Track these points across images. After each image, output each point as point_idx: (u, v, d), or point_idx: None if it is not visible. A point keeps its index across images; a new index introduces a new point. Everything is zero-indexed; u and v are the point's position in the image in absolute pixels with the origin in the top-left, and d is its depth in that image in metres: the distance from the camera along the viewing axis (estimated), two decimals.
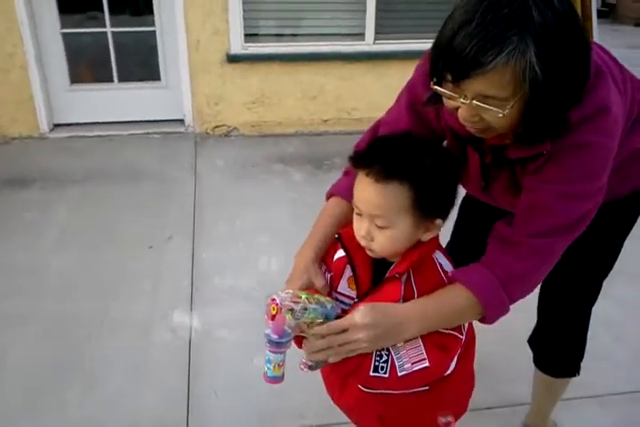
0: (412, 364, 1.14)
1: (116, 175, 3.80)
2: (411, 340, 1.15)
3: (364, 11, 4.33)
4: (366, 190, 1.14)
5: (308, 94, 4.48)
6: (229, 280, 2.77)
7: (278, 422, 2.02)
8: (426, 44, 3.88)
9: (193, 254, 2.96)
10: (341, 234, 1.26)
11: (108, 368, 2.23)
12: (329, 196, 1.53)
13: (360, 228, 1.18)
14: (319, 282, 1.28)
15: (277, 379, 1.19)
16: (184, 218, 3.30)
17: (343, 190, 1.45)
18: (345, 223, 1.34)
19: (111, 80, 4.45)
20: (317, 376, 2.16)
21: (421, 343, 1.15)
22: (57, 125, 4.46)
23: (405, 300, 1.17)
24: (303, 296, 1.13)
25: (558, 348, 1.72)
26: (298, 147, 4.30)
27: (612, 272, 1.59)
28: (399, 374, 1.14)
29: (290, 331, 1.12)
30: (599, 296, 1.64)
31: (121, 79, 4.47)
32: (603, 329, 2.37)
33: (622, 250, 1.56)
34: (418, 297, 1.17)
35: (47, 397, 2.09)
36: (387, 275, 1.20)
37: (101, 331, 2.42)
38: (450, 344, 1.17)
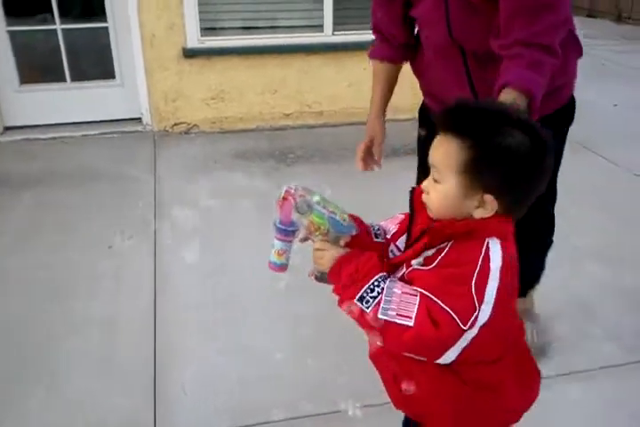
0: (397, 315, 1.05)
1: (72, 177, 3.65)
2: (410, 294, 1.07)
3: (322, 1, 4.26)
4: (435, 142, 1.11)
5: (268, 88, 4.39)
6: (193, 279, 2.67)
7: (247, 416, 1.94)
8: None
9: (155, 253, 2.85)
10: (415, 190, 1.21)
11: (71, 369, 2.13)
12: (371, 58, 2.05)
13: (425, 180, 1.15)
14: (378, 137, 1.84)
15: (277, 266, 1.20)
16: (145, 217, 3.17)
17: (380, 53, 2.00)
18: (394, 81, 2.06)
19: (63, 80, 4.29)
20: (286, 369, 2.12)
21: (417, 304, 1.05)
22: (8, 128, 4.28)
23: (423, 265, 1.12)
24: (315, 198, 1.13)
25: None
26: (260, 142, 4.20)
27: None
28: (379, 315, 1.05)
29: (295, 221, 1.13)
30: None
31: (74, 78, 4.32)
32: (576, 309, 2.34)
33: None
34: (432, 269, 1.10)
35: (8, 398, 1.99)
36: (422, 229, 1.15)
37: (63, 332, 2.32)
38: (443, 323, 1.03)
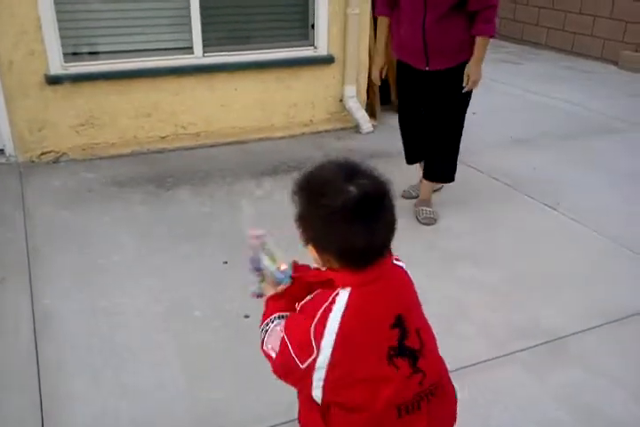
0: (271, 348, 1.26)
1: None
2: (280, 332, 1.24)
3: (189, 24, 4.24)
4: None
5: (141, 112, 4.30)
6: (74, 314, 2.56)
7: None
8: (254, 55, 3.95)
9: (31, 290, 2.71)
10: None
11: None
12: (378, 15, 3.32)
13: None
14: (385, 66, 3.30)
15: (252, 293, 1.41)
16: (16, 255, 3.00)
17: (383, 11, 3.24)
18: (389, 29, 3.26)
19: None
20: (177, 405, 2.08)
21: (280, 341, 1.23)
22: None
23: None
24: (266, 246, 1.37)
25: (444, 166, 3.34)
26: (136, 167, 4.10)
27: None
28: (263, 346, 1.29)
29: (257, 260, 1.37)
30: None
31: None
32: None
33: None
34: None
35: None
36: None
37: None
38: (287, 361, 1.21)
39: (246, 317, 2.54)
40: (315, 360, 1.16)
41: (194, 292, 2.73)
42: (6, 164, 4.08)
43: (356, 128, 4.80)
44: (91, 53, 4.16)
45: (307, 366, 1.17)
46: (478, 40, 3.00)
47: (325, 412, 1.23)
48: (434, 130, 3.30)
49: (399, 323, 1.20)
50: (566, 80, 6.56)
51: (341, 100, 4.82)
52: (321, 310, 1.16)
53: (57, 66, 4.00)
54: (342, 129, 4.83)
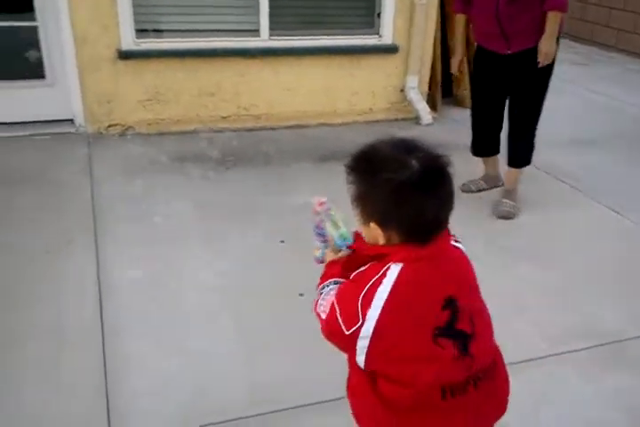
0: (323, 310, 1.29)
1: (3, 180, 3.53)
2: (332, 295, 1.29)
3: (257, 7, 4.29)
4: None
5: (205, 91, 4.39)
6: (137, 281, 2.66)
7: (202, 418, 1.98)
8: (319, 41, 4.00)
9: (97, 256, 2.82)
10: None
11: (18, 382, 2.09)
12: (456, 13, 3.45)
13: None
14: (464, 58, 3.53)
15: (315, 259, 1.46)
16: (83, 221, 3.12)
17: (461, 9, 3.38)
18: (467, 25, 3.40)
19: None
20: (236, 370, 2.16)
21: (330, 305, 1.26)
22: None
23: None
24: (332, 213, 1.38)
25: (522, 149, 3.41)
26: (198, 144, 4.20)
27: None
28: (316, 309, 1.33)
29: (321, 229, 1.40)
30: None
31: (1, 77, 4.17)
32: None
33: None
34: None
35: None
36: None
37: (6, 341, 2.26)
38: (333, 324, 1.24)
39: (301, 295, 2.59)
40: (359, 329, 1.18)
41: (251, 268, 2.80)
42: (76, 133, 4.22)
43: (416, 119, 4.80)
44: (161, 31, 4.26)
45: (351, 333, 1.19)
46: (549, 15, 3.05)
47: (373, 380, 1.25)
48: (516, 114, 3.36)
49: (450, 304, 1.20)
50: (634, 83, 6.41)
51: (402, 91, 4.82)
52: (370, 282, 1.18)
53: (129, 41, 4.11)
54: (402, 120, 4.84)
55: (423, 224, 1.17)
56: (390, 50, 4.66)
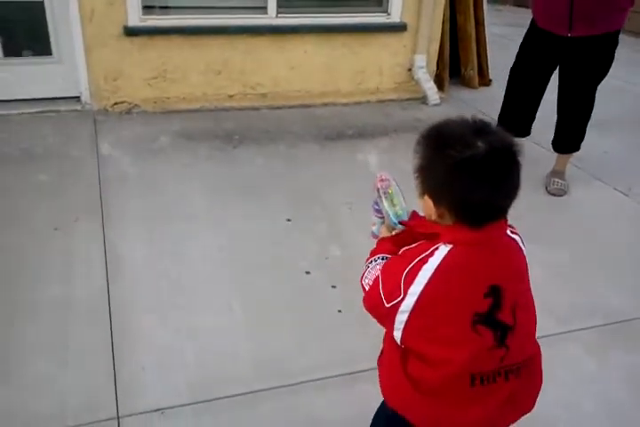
0: (367, 283, 1.31)
1: (9, 158, 3.53)
2: (378, 270, 1.30)
3: None
4: None
5: (211, 68, 4.37)
6: (143, 258, 2.68)
7: (207, 392, 2.01)
8: (326, 19, 3.93)
9: (103, 233, 2.83)
10: None
11: (26, 354, 2.12)
12: None
13: None
14: None
15: (372, 234, 1.48)
16: (90, 198, 3.13)
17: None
18: None
19: None
20: (241, 346, 2.19)
21: (374, 277, 1.29)
22: None
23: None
24: (390, 190, 1.39)
25: (571, 136, 3.43)
26: (204, 122, 4.19)
27: None
28: (362, 281, 1.34)
29: (379, 205, 1.42)
30: None
31: (7, 54, 4.15)
32: None
33: None
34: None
35: None
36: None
37: (15, 316, 2.29)
38: (375, 295, 1.26)
39: (307, 273, 2.62)
40: (399, 303, 1.19)
41: (258, 246, 2.81)
42: (81, 111, 4.21)
43: (423, 99, 4.77)
44: (168, 8, 4.22)
45: (390, 307, 1.21)
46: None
47: (405, 357, 1.26)
48: (566, 99, 3.32)
49: (494, 293, 1.19)
50: None
51: (410, 70, 4.78)
52: (417, 259, 1.19)
53: (135, 18, 4.08)
54: (408, 99, 4.81)
55: (474, 207, 1.15)
56: (398, 28, 4.62)
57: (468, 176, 1.12)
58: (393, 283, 1.21)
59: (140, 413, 1.92)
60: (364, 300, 1.31)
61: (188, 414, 1.93)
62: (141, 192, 3.22)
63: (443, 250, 1.18)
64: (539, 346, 1.35)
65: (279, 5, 4.33)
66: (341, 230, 2.94)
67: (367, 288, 1.30)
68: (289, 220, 3.03)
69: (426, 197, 1.21)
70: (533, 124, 3.46)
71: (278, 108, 4.53)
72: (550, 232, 3.05)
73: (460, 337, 1.19)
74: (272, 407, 1.96)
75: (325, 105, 4.65)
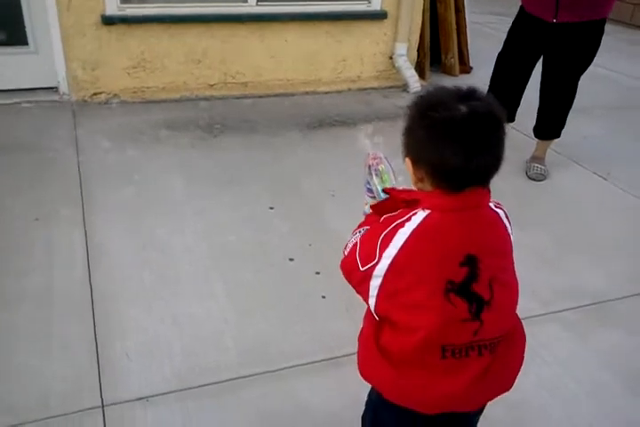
0: (347, 248, 1.33)
1: None
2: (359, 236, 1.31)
3: None
4: None
5: (191, 58, 4.33)
6: (125, 248, 2.66)
7: (192, 379, 2.00)
8: (306, 7, 3.89)
9: (84, 224, 2.80)
10: None
11: (8, 344, 2.10)
12: None
13: None
14: None
15: (364, 213, 1.47)
16: (70, 189, 3.10)
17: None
18: None
19: None
20: (226, 332, 2.19)
21: (354, 243, 1.30)
22: None
23: None
24: (380, 167, 1.40)
25: (552, 123, 3.47)
26: (184, 112, 4.15)
27: None
28: (344, 249, 1.34)
29: (369, 184, 1.42)
30: None
31: None
32: None
33: None
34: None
35: None
36: None
37: None
38: (351, 258, 1.27)
39: (291, 260, 2.62)
40: (373, 267, 1.19)
41: (240, 234, 2.80)
42: (59, 101, 4.16)
43: (404, 87, 4.77)
44: None
45: (365, 270, 1.21)
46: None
47: (379, 329, 1.26)
48: (550, 87, 3.34)
49: (470, 263, 1.17)
50: (626, 53, 6.39)
51: (391, 58, 4.78)
52: (394, 224, 1.19)
53: (113, 7, 4.03)
54: (390, 87, 4.80)
55: (450, 170, 1.14)
56: (379, 16, 4.61)
57: (445, 137, 1.12)
58: (369, 247, 1.21)
59: (125, 401, 1.91)
60: (342, 265, 1.31)
61: (173, 401, 1.93)
62: (122, 182, 3.19)
63: (420, 215, 1.18)
64: (521, 326, 1.35)
65: None
66: (325, 217, 2.94)
67: (345, 253, 1.31)
68: (271, 208, 3.02)
69: (407, 160, 1.21)
70: None
71: (259, 97, 4.51)
72: (530, 216, 3.08)
73: (431, 304, 1.17)
74: (257, 393, 1.97)
75: (307, 93, 4.63)
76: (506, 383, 1.32)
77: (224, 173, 3.34)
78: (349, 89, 4.74)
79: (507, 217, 1.27)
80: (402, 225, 1.18)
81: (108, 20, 4.04)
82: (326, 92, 4.69)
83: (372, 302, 1.23)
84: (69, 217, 2.85)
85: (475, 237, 1.20)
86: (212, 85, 4.46)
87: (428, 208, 1.18)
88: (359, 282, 1.24)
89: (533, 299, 2.44)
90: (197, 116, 4.11)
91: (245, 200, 3.08)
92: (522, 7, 3.28)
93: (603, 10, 3.10)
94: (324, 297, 2.39)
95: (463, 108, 1.12)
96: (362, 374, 1.33)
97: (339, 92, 4.70)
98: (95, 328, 2.19)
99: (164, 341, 2.15)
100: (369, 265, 1.20)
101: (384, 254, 1.18)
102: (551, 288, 2.55)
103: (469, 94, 1.16)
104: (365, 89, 4.76)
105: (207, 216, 2.93)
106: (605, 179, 3.53)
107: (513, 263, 1.29)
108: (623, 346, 2.27)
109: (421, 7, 4.69)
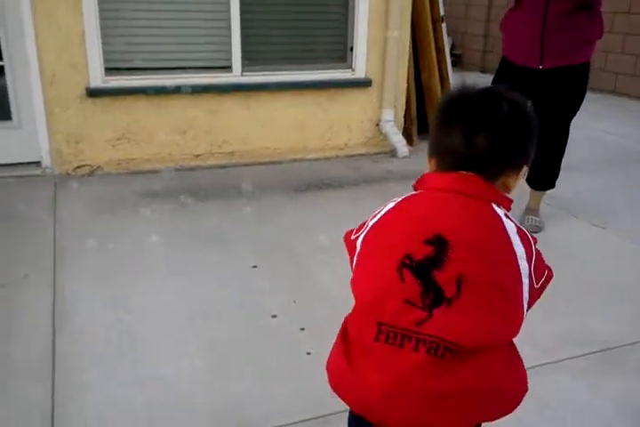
0: None
1: None
2: None
3: (230, 43, 4.27)
4: None
5: (177, 129, 4.30)
6: (94, 310, 2.46)
7: None
8: (292, 76, 3.91)
9: (54, 288, 2.61)
10: None
11: None
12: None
13: None
14: None
15: None
16: (44, 255, 2.93)
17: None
18: None
19: None
20: (195, 396, 1.96)
21: None
22: None
23: None
24: None
25: (545, 172, 3.34)
26: (169, 181, 4.06)
27: None
28: None
29: None
30: None
31: None
32: None
33: None
34: None
35: None
36: None
37: None
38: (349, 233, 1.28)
39: (274, 316, 2.41)
40: (358, 236, 1.19)
41: (220, 293, 2.61)
42: (41, 175, 4.07)
43: (392, 153, 4.72)
44: (131, 69, 4.20)
45: (354, 239, 1.19)
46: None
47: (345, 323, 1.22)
48: (541, 133, 3.24)
49: (437, 244, 1.05)
50: (608, 116, 6.44)
51: (378, 125, 4.77)
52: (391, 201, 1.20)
53: (98, 79, 4.05)
54: (378, 153, 4.75)
55: (444, 147, 1.16)
56: (364, 84, 4.64)
57: (443, 116, 1.17)
58: (365, 221, 1.21)
59: None
60: (344, 237, 1.26)
61: None
62: (99, 247, 3.02)
63: (402, 197, 1.18)
64: (504, 362, 1.13)
65: (244, 64, 4.35)
66: (311, 275, 2.76)
67: None
68: (255, 266, 2.84)
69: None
70: None
71: (246, 165, 4.44)
72: None
73: (381, 271, 1.10)
74: None
75: (295, 161, 4.57)
76: (454, 419, 1.08)
77: (206, 234, 3.19)
78: (337, 156, 4.69)
79: (520, 233, 1.11)
80: (394, 201, 1.18)
81: (93, 93, 4.04)
82: (315, 159, 4.63)
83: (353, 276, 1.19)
84: (39, 279, 2.68)
85: (452, 221, 1.09)
86: (197, 156, 4.41)
87: (420, 188, 1.18)
88: (349, 250, 1.21)
89: (537, 348, 2.21)
90: (181, 184, 4.01)
91: (227, 260, 2.91)
92: (504, 57, 3.27)
93: (586, 53, 3.11)
94: (309, 353, 2.16)
95: (469, 92, 1.16)
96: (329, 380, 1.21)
97: (327, 158, 4.65)
98: (53, 394, 1.95)
99: (127, 406, 1.91)
100: (356, 235, 1.20)
101: (367, 224, 1.19)
102: (555, 337, 2.33)
103: (490, 87, 1.21)
104: (354, 155, 4.71)
105: (185, 276, 2.74)
106: (603, 228, 3.39)
107: (517, 291, 1.10)
108: (636, 393, 2.02)
109: (405, 75, 4.74)
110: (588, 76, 3.16)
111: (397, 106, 4.78)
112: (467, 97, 1.15)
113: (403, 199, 1.17)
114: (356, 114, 4.71)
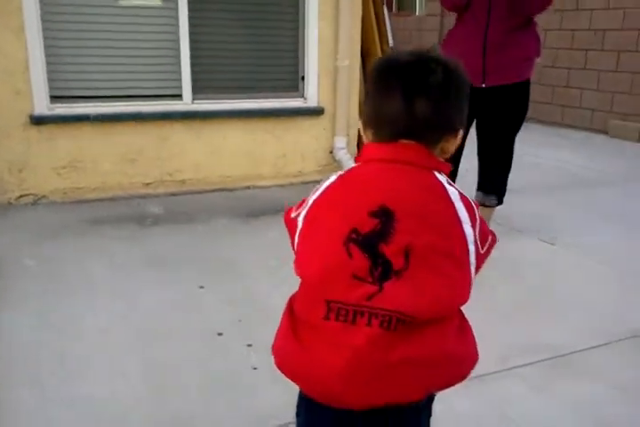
0: None
1: None
2: None
3: (179, 71, 4.25)
4: None
5: (126, 157, 4.21)
6: (28, 334, 2.31)
7: None
8: (243, 104, 3.86)
9: None
10: None
11: None
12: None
13: None
14: None
15: None
16: None
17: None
18: None
19: None
20: (141, 410, 1.81)
21: None
22: None
23: None
24: None
25: (493, 186, 3.36)
26: (116, 209, 3.93)
27: None
28: None
29: None
30: None
31: None
32: None
33: None
34: None
35: None
36: None
37: None
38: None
39: (219, 334, 2.30)
40: (299, 215, 1.14)
41: (164, 312, 2.49)
42: None
43: None
44: (79, 97, 4.13)
45: (294, 217, 1.15)
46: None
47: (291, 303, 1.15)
48: (486, 150, 3.34)
49: (383, 216, 1.02)
50: (556, 145, 6.60)
51: (331, 152, 4.76)
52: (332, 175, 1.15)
53: (43, 106, 3.96)
54: None
55: (382, 115, 1.10)
56: (316, 112, 4.65)
57: (379, 82, 1.13)
58: (305, 199, 1.16)
59: None
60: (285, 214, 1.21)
61: None
62: (38, 273, 2.88)
63: (355, 165, 1.14)
64: (455, 330, 1.11)
65: (194, 91, 4.32)
66: (258, 294, 2.66)
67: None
68: (201, 287, 2.73)
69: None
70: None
71: (198, 193, 4.36)
72: (480, 280, 2.84)
73: (326, 247, 1.05)
74: None
75: (248, 188, 4.51)
76: (411, 388, 1.04)
77: (151, 258, 3.07)
78: (292, 183, 4.65)
79: (463, 199, 1.09)
80: (335, 174, 1.14)
81: (38, 120, 3.95)
82: (269, 187, 4.58)
83: (294, 248, 1.14)
84: None
85: (397, 191, 1.06)
86: (147, 184, 4.31)
87: (362, 160, 1.14)
88: (289, 230, 1.17)
89: (489, 356, 2.14)
90: (129, 211, 3.90)
91: (173, 281, 2.79)
92: None
93: (525, 71, 3.18)
94: (255, 369, 2.04)
95: (405, 57, 1.12)
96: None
97: (282, 185, 4.60)
98: None
99: (57, 425, 1.76)
100: (296, 212, 1.16)
101: (309, 200, 1.14)
102: (507, 345, 2.28)
103: (425, 52, 1.15)
104: (309, 182, 4.67)
105: (128, 298, 2.61)
106: (552, 244, 3.40)
107: (464, 257, 1.07)
108: (589, 397, 1.98)
109: (357, 102, 4.77)
110: (529, 93, 3.24)
111: (350, 134, 4.79)
112: (399, 65, 1.11)
113: (345, 172, 1.13)
114: (309, 142, 4.70)
